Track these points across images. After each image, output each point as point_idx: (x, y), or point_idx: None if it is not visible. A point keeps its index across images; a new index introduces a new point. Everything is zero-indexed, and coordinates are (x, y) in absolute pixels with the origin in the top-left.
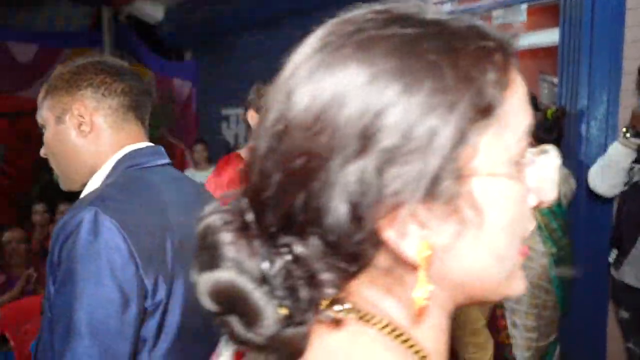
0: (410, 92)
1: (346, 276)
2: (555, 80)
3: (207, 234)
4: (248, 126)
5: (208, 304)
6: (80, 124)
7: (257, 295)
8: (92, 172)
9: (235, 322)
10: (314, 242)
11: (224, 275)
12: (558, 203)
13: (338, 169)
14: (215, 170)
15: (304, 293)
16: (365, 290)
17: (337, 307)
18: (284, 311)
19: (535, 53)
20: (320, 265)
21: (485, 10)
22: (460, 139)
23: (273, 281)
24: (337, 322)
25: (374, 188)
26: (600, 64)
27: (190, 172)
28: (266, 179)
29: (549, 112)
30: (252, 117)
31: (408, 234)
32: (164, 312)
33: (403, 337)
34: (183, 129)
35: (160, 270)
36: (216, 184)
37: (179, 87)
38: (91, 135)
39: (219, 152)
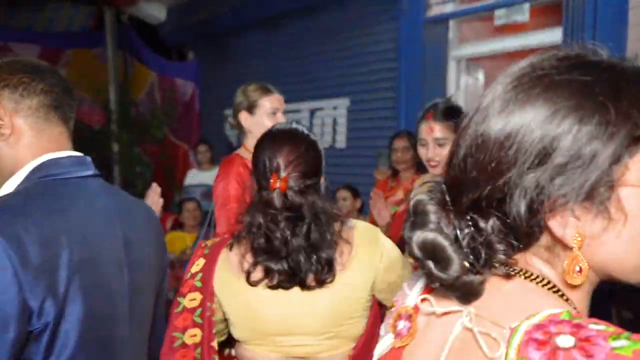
0: (581, 124)
1: (515, 248)
2: None
3: (419, 204)
4: (241, 128)
5: (416, 252)
6: None
7: (450, 250)
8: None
9: (432, 265)
10: (494, 221)
11: (430, 234)
12: None
13: (520, 174)
14: (222, 175)
15: (482, 255)
16: (530, 259)
17: (507, 268)
18: (466, 263)
19: (540, 52)
20: (496, 238)
21: (487, 10)
22: (616, 160)
23: (461, 243)
24: (508, 276)
25: (546, 191)
26: None
27: (193, 173)
28: (463, 174)
29: None
30: (245, 118)
31: (567, 224)
32: (53, 334)
33: (560, 293)
34: (186, 130)
35: (50, 291)
36: (225, 187)
37: (182, 87)
38: (11, 138)
39: (222, 152)
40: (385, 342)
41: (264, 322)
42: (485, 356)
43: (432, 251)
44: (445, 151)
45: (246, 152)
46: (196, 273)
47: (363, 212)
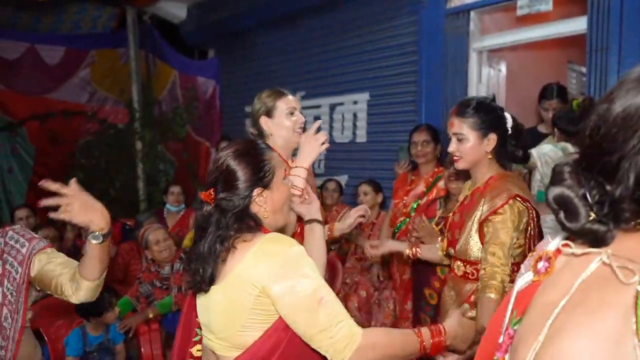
0: None
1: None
2: (584, 69)
3: (557, 166)
4: (262, 134)
5: (551, 203)
6: None
7: (577, 201)
8: None
9: (562, 215)
10: (616, 184)
11: (562, 189)
12: None
13: (634, 151)
14: None
15: (606, 209)
16: None
17: (633, 223)
18: (592, 215)
19: (563, 42)
20: (619, 199)
21: (509, 0)
22: None
23: (589, 199)
24: (635, 229)
25: None
26: (629, 51)
27: None
28: (594, 144)
29: (575, 102)
30: (265, 122)
31: None
32: None
33: None
34: (207, 127)
35: None
36: None
37: (203, 85)
38: None
39: None
40: (525, 279)
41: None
42: (620, 283)
43: (562, 203)
44: (464, 146)
45: None
46: None
47: (385, 206)
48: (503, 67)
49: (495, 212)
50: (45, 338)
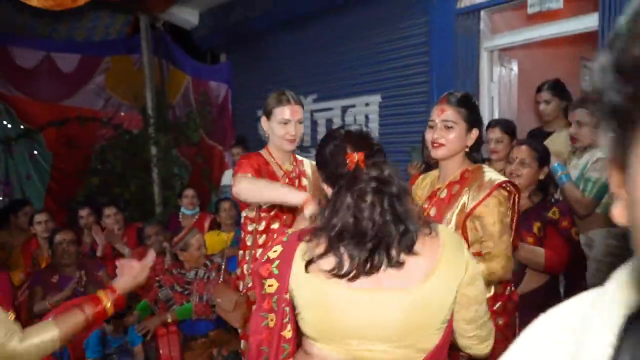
0: None
1: None
2: None
3: None
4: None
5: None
6: None
7: None
8: None
9: None
10: None
11: None
12: None
13: None
14: (238, 163)
15: None
16: None
17: None
18: None
19: (575, 39)
20: None
21: None
22: None
23: None
24: None
25: None
26: None
27: (230, 172)
28: None
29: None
30: (264, 122)
31: None
32: None
33: None
34: (220, 131)
35: None
36: (240, 163)
37: (215, 89)
38: None
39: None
40: None
41: (337, 324)
42: None
43: None
44: (451, 135)
45: (266, 152)
46: (274, 259)
47: None
48: (515, 66)
49: (480, 204)
50: None
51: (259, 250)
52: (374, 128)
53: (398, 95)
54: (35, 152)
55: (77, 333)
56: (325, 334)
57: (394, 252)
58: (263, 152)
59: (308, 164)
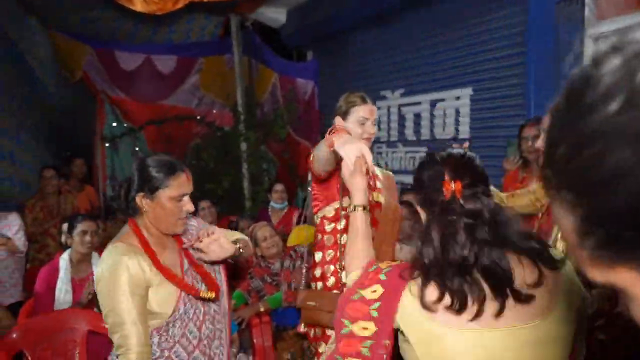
0: None
1: None
2: None
3: None
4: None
5: None
6: None
7: None
8: None
9: None
10: None
11: None
12: None
13: None
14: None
15: None
16: None
17: None
18: None
19: None
20: None
21: None
22: None
23: None
24: None
25: None
26: None
27: None
28: None
29: None
30: (339, 122)
31: None
32: None
33: None
34: (306, 127)
35: None
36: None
37: (302, 86)
38: None
39: None
40: None
41: None
42: None
43: None
44: None
45: None
46: (371, 301)
47: None
48: None
49: None
50: None
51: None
52: (464, 122)
53: (491, 88)
54: (137, 149)
55: None
56: None
57: (517, 285)
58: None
59: (379, 171)
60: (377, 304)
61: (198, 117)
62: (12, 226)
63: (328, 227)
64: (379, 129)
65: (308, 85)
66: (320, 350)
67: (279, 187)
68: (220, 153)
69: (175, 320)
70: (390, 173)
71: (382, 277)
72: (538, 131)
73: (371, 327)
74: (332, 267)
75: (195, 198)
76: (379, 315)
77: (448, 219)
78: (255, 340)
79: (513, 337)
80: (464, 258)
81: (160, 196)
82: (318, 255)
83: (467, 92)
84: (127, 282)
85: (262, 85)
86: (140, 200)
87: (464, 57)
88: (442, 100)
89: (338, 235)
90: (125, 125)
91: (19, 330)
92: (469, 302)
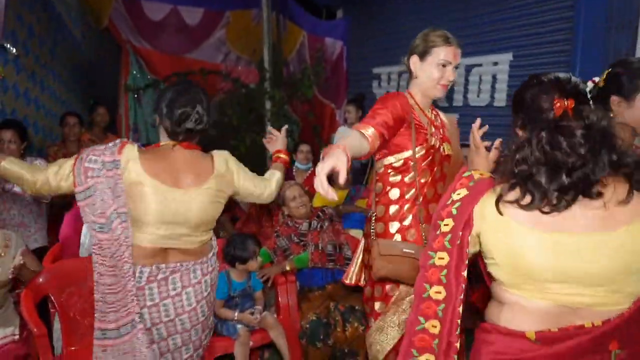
0: None
1: None
2: None
3: None
4: (410, 72)
5: None
6: None
7: None
8: None
9: None
10: None
11: None
12: None
13: None
14: (379, 101)
15: None
16: None
17: None
18: None
19: None
20: None
21: None
22: None
23: None
24: None
25: None
26: None
27: (343, 129)
28: None
29: None
30: (414, 62)
31: None
32: None
33: None
34: (333, 88)
35: None
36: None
37: (330, 46)
38: None
39: None
40: None
41: (532, 268)
42: None
43: None
44: None
45: (409, 96)
46: (455, 201)
47: None
48: None
49: None
50: (56, 305)
51: (405, 207)
52: (501, 90)
53: (533, 54)
54: None
55: None
56: (520, 279)
57: (593, 180)
58: (406, 95)
59: (444, 116)
60: (458, 204)
61: (223, 73)
62: None
63: (393, 179)
64: None
65: (336, 45)
66: (376, 308)
67: (304, 147)
68: (244, 110)
69: None
70: (452, 117)
71: (471, 183)
72: None
73: (450, 223)
74: (396, 224)
75: None
76: (457, 213)
77: (557, 133)
78: (280, 299)
79: (595, 243)
80: (566, 163)
81: None
82: (380, 209)
83: (507, 57)
84: None
85: (289, 43)
86: None
87: (504, 20)
88: (479, 65)
89: (405, 189)
90: (149, 77)
91: (44, 274)
92: (549, 204)
